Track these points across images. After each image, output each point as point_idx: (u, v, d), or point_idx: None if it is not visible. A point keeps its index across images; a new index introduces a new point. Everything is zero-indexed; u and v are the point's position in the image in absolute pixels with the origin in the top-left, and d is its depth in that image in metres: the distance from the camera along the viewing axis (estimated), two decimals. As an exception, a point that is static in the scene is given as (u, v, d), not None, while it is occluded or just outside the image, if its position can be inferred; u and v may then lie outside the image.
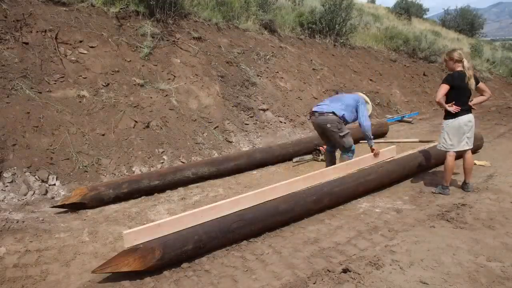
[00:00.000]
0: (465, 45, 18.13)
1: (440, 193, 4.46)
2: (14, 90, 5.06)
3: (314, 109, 4.72)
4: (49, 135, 4.95)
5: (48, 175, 4.61)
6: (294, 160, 6.03)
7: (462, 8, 23.93)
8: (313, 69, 9.63)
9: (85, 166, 4.91)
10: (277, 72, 8.65)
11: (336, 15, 10.84)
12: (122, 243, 3.40)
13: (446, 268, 2.86)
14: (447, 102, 4.23)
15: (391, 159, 4.92)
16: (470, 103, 4.35)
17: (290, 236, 3.52)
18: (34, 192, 4.40)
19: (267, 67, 8.53)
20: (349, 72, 10.62)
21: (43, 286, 2.81)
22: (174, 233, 3.03)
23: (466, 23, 23.16)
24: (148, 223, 3.17)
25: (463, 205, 4.05)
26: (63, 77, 5.62)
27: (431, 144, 5.58)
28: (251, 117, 7.21)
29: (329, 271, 2.83)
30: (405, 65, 12.90)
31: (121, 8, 7.00)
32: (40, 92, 5.27)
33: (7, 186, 4.30)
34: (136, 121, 5.77)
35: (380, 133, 7.58)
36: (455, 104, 4.24)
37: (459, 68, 4.23)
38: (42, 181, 4.53)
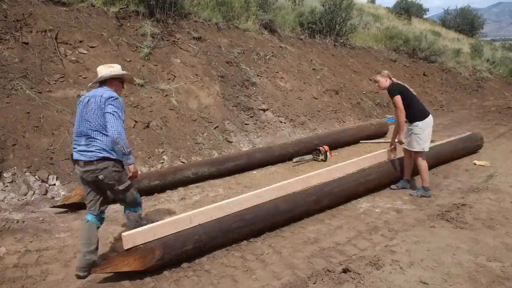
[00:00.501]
0: (465, 45, 18.13)
1: (423, 195, 4.36)
2: (14, 90, 5.06)
3: (74, 155, 2.98)
4: (49, 135, 4.95)
5: (48, 175, 4.61)
6: (294, 160, 6.03)
7: (462, 8, 23.94)
8: (313, 69, 9.63)
9: (85, 166, 4.91)
10: (277, 72, 8.65)
11: (336, 15, 10.84)
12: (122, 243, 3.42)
13: (446, 268, 2.86)
14: (405, 110, 4.28)
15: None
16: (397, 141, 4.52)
17: (290, 236, 3.52)
18: (34, 192, 4.40)
19: (267, 67, 8.53)
20: (349, 72, 10.62)
21: (43, 286, 2.81)
22: (174, 233, 3.03)
23: (466, 23, 23.16)
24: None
25: (463, 205, 4.05)
26: (63, 77, 5.62)
27: (431, 144, 5.58)
28: (251, 117, 7.21)
29: (329, 271, 2.83)
30: (405, 65, 12.89)
31: (121, 8, 7.00)
32: (40, 92, 5.27)
33: (7, 186, 4.30)
34: (136, 121, 5.77)
35: (380, 133, 7.59)
36: (414, 110, 4.32)
37: (390, 82, 4.41)
38: (42, 181, 4.53)
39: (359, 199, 4.40)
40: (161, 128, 5.93)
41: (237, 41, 8.63)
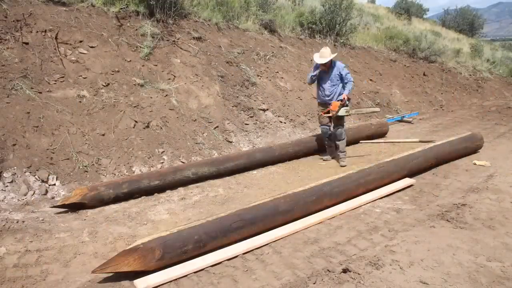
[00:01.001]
0: (465, 45, 18.13)
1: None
2: (14, 90, 5.06)
3: None
4: (49, 135, 4.95)
5: (48, 175, 4.61)
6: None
7: (462, 8, 23.95)
8: (313, 69, 9.62)
9: (85, 166, 4.92)
10: (277, 72, 8.65)
11: (336, 15, 10.85)
12: (122, 243, 3.42)
13: (446, 268, 2.86)
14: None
15: None
16: None
17: (290, 236, 3.52)
18: (34, 192, 4.40)
19: (267, 67, 8.54)
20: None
21: (43, 286, 2.81)
22: (174, 233, 3.04)
23: (466, 23, 23.17)
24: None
25: (463, 205, 4.05)
26: (63, 77, 5.62)
27: (431, 144, 5.59)
28: (251, 117, 7.21)
29: (329, 271, 2.83)
30: (405, 65, 12.90)
31: (121, 8, 7.00)
32: (40, 92, 5.27)
33: (7, 186, 4.30)
34: (136, 121, 5.77)
35: (380, 133, 7.58)
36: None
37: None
38: (42, 181, 4.53)
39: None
40: (161, 128, 5.93)
41: (237, 41, 8.63)
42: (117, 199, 4.43)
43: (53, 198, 4.46)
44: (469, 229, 3.50)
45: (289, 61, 9.22)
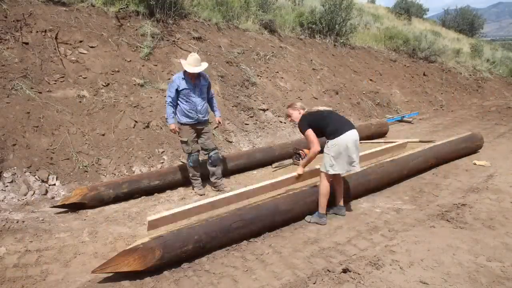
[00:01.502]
0: (465, 45, 18.14)
1: (316, 222, 3.78)
2: (14, 90, 5.06)
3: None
4: (49, 135, 4.95)
5: (48, 175, 4.61)
6: (274, 165, 5.75)
7: (462, 8, 23.96)
8: (313, 69, 9.63)
9: (85, 166, 4.92)
10: (277, 72, 8.65)
11: (336, 15, 10.85)
12: (122, 243, 3.42)
13: (446, 268, 2.86)
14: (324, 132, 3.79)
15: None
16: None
17: (290, 236, 3.52)
18: (34, 192, 4.40)
19: (267, 67, 8.54)
20: (349, 72, 10.62)
21: (43, 286, 2.81)
22: (174, 233, 3.04)
23: (466, 23, 23.19)
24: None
25: (463, 205, 4.05)
26: (63, 77, 5.62)
27: (431, 144, 5.59)
28: (251, 117, 7.21)
29: (329, 271, 2.83)
30: (405, 65, 12.90)
31: (121, 8, 7.00)
32: (40, 92, 5.27)
33: (7, 186, 4.30)
34: (136, 121, 5.77)
35: (380, 133, 7.58)
36: (328, 129, 3.76)
37: (303, 112, 3.92)
38: (42, 181, 4.53)
39: (359, 199, 4.40)
40: (161, 128, 5.93)
41: (237, 41, 8.63)
42: (117, 199, 4.43)
43: (53, 198, 4.46)
44: (469, 229, 3.50)
45: (289, 61, 9.22)
